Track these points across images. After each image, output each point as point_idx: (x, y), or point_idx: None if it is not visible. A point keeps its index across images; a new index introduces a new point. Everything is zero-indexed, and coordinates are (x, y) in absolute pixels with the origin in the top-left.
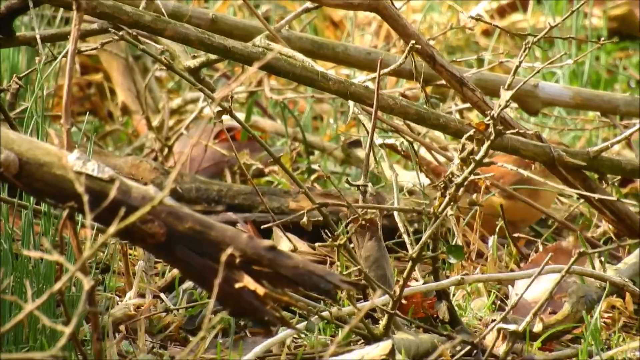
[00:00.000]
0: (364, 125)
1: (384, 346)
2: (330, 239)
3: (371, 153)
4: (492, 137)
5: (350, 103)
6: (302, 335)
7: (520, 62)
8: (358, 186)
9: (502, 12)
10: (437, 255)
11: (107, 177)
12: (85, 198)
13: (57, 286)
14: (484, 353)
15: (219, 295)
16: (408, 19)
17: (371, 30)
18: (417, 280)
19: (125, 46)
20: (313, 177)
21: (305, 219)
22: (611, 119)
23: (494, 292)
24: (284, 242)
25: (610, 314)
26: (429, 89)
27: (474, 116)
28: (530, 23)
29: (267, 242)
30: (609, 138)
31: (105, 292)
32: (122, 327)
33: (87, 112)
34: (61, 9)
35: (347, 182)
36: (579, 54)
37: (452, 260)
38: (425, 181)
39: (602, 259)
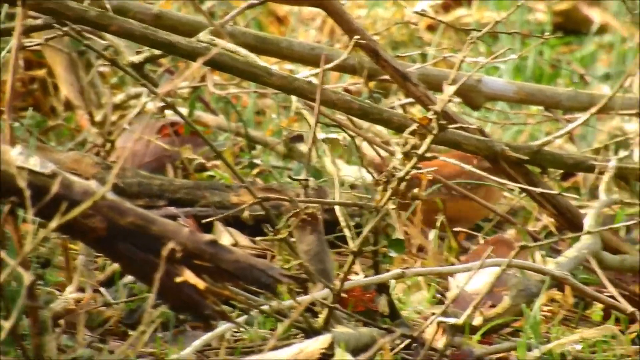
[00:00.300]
0: (306, 120)
1: (323, 340)
2: (271, 233)
3: (313, 148)
4: (434, 132)
5: (293, 98)
6: (242, 329)
7: (464, 57)
8: (300, 180)
9: (446, 7)
10: (378, 249)
11: (49, 172)
12: (27, 193)
13: None
14: (423, 346)
15: (159, 290)
16: (353, 14)
17: (315, 25)
18: (357, 274)
19: (69, 41)
20: (255, 171)
21: (246, 213)
22: (554, 113)
23: (434, 286)
24: (225, 237)
25: (550, 307)
26: (372, 84)
27: (417, 111)
28: (474, 18)
29: (208, 237)
30: (552, 132)
31: (45, 286)
32: (61, 322)
33: (30, 107)
34: (5, 5)
35: (289, 176)
36: (522, 49)
37: (393, 254)
38: (367, 175)
39: (543, 252)
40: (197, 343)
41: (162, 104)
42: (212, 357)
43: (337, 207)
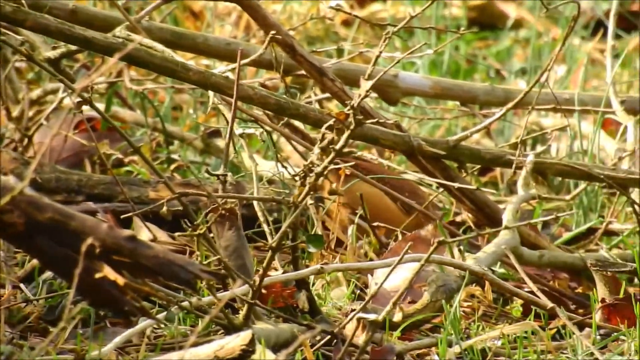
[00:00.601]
0: (223, 115)
1: (243, 336)
2: (190, 229)
3: (231, 143)
4: (352, 127)
5: (210, 93)
6: (162, 326)
7: (380, 52)
8: (218, 176)
9: (362, 2)
10: (297, 245)
11: None
12: None
13: None
14: (344, 342)
15: (79, 286)
16: (268, 9)
17: (231, 20)
18: (276, 270)
19: None
20: (173, 166)
21: (164, 209)
22: (470, 108)
23: (354, 282)
24: (144, 232)
25: (470, 303)
26: (289, 79)
27: (333, 106)
28: (390, 13)
29: (127, 232)
30: (468, 127)
31: None
32: None
33: None
34: None
35: (207, 171)
36: (438, 44)
37: (312, 250)
38: (285, 171)
39: (462, 247)
40: (117, 339)
41: (79, 99)
42: (132, 353)
43: (255, 203)
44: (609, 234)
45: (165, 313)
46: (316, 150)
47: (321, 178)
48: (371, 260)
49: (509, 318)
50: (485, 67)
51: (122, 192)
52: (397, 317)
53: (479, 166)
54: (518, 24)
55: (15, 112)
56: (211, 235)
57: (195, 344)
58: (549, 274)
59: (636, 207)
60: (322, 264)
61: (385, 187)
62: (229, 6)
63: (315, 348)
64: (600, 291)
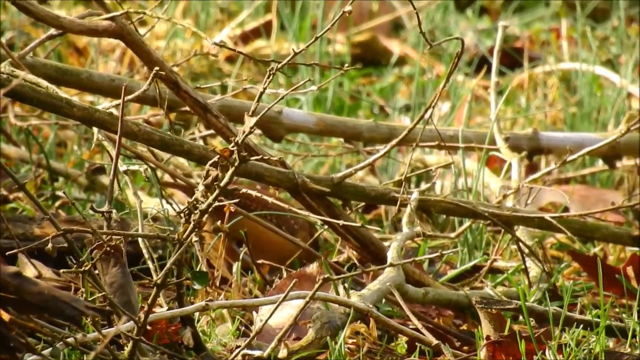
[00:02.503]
0: (108, 151)
1: None
2: (75, 266)
3: (115, 180)
4: (236, 164)
5: (95, 129)
6: None
7: (264, 89)
8: (102, 212)
9: (245, 38)
10: (182, 282)
11: None
12: None
13: None
14: None
15: None
16: (152, 45)
17: (115, 56)
18: (161, 307)
19: None
20: (57, 203)
21: (50, 245)
22: (355, 145)
23: (239, 319)
24: (29, 269)
25: (355, 340)
26: (173, 116)
27: (218, 142)
28: (273, 49)
29: (12, 269)
30: (353, 164)
31: None
32: None
33: None
34: None
35: (92, 208)
36: (322, 80)
37: (197, 286)
38: (170, 208)
39: (346, 285)
40: None
41: None
42: None
43: (140, 240)
44: (494, 271)
45: (50, 349)
46: (200, 187)
47: (205, 215)
48: (256, 297)
49: (394, 355)
50: (369, 104)
51: (7, 228)
52: (282, 353)
53: (363, 203)
54: (402, 61)
55: None
56: (96, 272)
57: None
58: (434, 312)
59: (521, 244)
60: (207, 301)
61: (266, 223)
62: (113, 42)
63: None
64: (485, 328)
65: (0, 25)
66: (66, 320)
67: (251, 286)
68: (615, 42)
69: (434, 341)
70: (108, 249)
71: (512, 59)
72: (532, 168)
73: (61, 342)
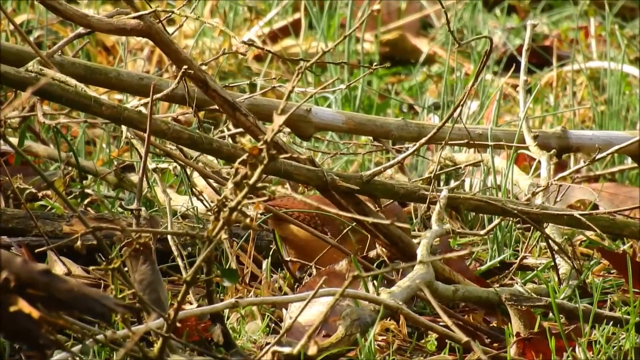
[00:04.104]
0: (137, 149)
1: None
2: (104, 263)
3: (144, 177)
4: (265, 162)
5: (124, 128)
6: (77, 359)
7: (293, 87)
8: (131, 210)
9: (274, 37)
10: (211, 279)
11: None
12: None
13: None
14: None
15: None
16: (180, 44)
17: (144, 55)
18: (191, 304)
19: None
20: (86, 201)
21: (79, 243)
22: (384, 143)
23: (268, 315)
24: (58, 266)
25: (385, 337)
26: (202, 114)
27: (247, 141)
28: (302, 48)
29: (41, 266)
30: (382, 162)
31: None
32: None
33: None
34: None
35: (121, 206)
36: (351, 79)
37: (226, 284)
38: (199, 205)
39: (376, 282)
40: None
41: None
42: None
43: (169, 237)
44: (524, 268)
45: (80, 346)
46: (230, 185)
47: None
48: (286, 294)
49: (423, 352)
50: (398, 102)
51: (36, 226)
52: (312, 350)
53: (392, 201)
54: (430, 59)
55: None
56: (125, 269)
57: None
58: (464, 309)
59: (550, 241)
60: (236, 298)
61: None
62: (142, 41)
63: None
64: (515, 325)
65: (28, 24)
66: (96, 318)
67: (281, 283)
68: None
69: (464, 338)
70: (137, 246)
71: (540, 57)
72: (561, 166)
73: (91, 340)
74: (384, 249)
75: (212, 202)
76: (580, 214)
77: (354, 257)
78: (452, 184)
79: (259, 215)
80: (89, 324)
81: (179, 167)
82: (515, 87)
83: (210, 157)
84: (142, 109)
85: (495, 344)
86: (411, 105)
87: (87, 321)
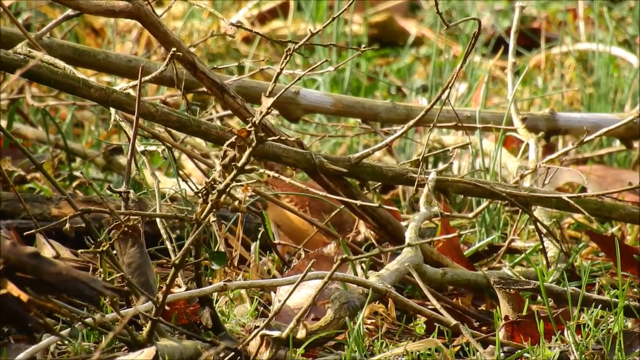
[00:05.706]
0: (125, 132)
1: (147, 352)
2: (92, 246)
3: (133, 160)
4: (253, 144)
5: (112, 110)
6: (66, 342)
7: (281, 70)
8: (120, 193)
9: (262, 19)
10: (200, 262)
11: None
12: None
13: None
14: (247, 359)
15: None
16: (169, 26)
17: (132, 37)
18: (180, 287)
19: None
20: (75, 183)
21: (67, 226)
22: (372, 125)
23: (257, 299)
24: (47, 249)
25: (373, 320)
26: (190, 96)
27: (235, 123)
28: (290, 30)
29: (30, 249)
30: (370, 145)
31: None
32: None
33: None
34: None
35: (109, 188)
36: (339, 61)
37: (215, 267)
38: (188, 188)
39: (364, 265)
40: (21, 356)
41: None
42: None
43: (158, 220)
44: (512, 251)
45: (69, 329)
46: (218, 167)
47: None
48: (274, 277)
49: (412, 335)
50: (387, 85)
51: (25, 209)
52: (301, 333)
53: (380, 184)
54: (419, 41)
55: None
56: (114, 252)
57: None
58: (452, 292)
59: (538, 224)
60: (225, 281)
61: (290, 206)
62: (130, 23)
63: None
64: (504, 309)
65: (17, 5)
66: (84, 301)
67: (270, 266)
68: (631, 23)
69: (453, 321)
70: (126, 229)
71: (529, 39)
72: (549, 148)
73: (79, 323)
74: (372, 232)
75: (200, 184)
76: (569, 197)
77: (342, 240)
78: (441, 166)
79: (247, 198)
80: (78, 307)
81: (167, 150)
82: (503, 69)
83: (198, 140)
84: (131, 91)
85: (484, 327)
86: (399, 87)
87: (76, 304)
